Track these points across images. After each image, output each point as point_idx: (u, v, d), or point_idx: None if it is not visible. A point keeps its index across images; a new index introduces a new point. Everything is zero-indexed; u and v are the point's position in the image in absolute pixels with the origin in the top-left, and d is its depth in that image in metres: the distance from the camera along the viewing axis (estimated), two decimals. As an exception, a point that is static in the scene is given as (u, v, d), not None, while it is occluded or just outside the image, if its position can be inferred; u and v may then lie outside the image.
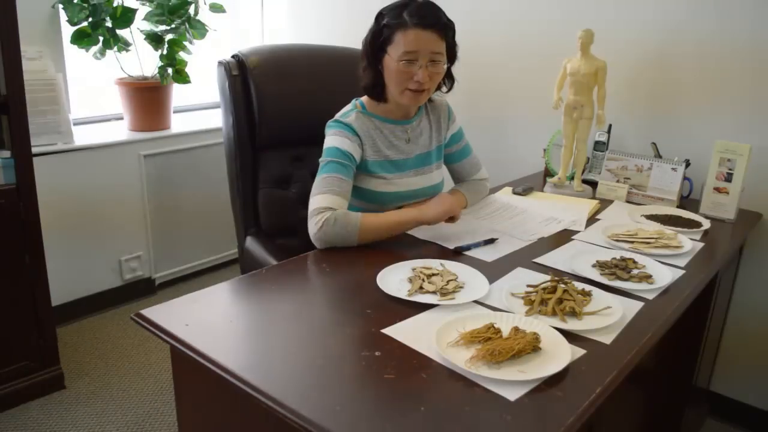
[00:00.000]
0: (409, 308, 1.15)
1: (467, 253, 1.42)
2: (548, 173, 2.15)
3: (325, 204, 1.43)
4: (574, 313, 1.12)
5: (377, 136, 1.59)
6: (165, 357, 2.36)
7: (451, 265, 1.33)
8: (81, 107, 2.73)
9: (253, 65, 1.81)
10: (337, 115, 1.59)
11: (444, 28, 1.49)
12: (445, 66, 1.53)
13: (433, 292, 1.21)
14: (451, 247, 1.45)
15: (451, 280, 1.26)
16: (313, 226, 1.42)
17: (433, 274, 1.28)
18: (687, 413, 1.83)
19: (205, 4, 2.69)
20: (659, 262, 1.40)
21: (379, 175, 1.59)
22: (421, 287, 1.23)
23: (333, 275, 1.30)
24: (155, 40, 2.56)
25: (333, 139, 1.53)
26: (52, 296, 2.09)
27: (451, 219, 1.53)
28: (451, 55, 1.55)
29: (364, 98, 1.62)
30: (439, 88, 1.61)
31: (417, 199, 1.66)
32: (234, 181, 1.89)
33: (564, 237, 1.58)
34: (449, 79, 1.62)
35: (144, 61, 2.67)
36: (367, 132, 1.57)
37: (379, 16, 1.52)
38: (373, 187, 1.60)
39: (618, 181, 1.98)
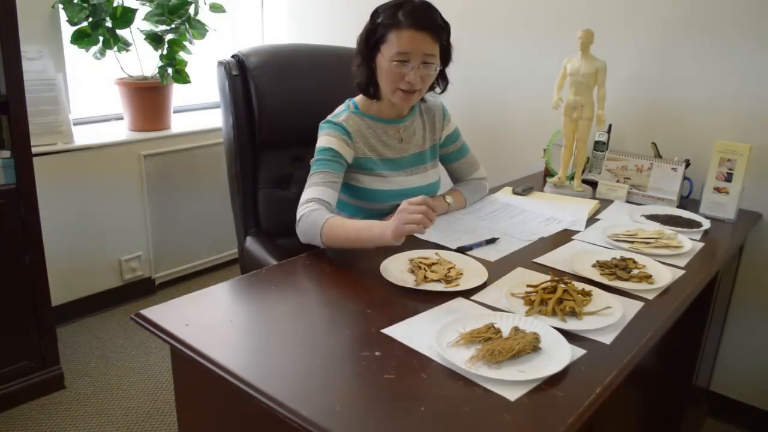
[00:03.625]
0: (409, 308, 1.15)
1: (469, 253, 1.42)
2: (548, 173, 2.15)
3: (309, 196, 1.44)
4: (574, 313, 1.12)
5: (370, 135, 1.60)
6: (165, 357, 2.36)
7: (444, 255, 1.37)
8: (81, 107, 2.73)
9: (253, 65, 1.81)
10: (329, 116, 1.60)
11: (438, 30, 1.48)
12: (438, 68, 1.53)
13: (438, 281, 1.24)
14: (453, 247, 1.45)
15: (451, 267, 1.29)
16: (296, 221, 1.43)
17: (433, 263, 1.30)
18: (687, 413, 1.82)
19: (205, 4, 2.69)
20: (659, 262, 1.40)
21: (375, 172, 1.60)
22: (425, 277, 1.24)
23: (333, 275, 1.30)
24: (155, 40, 2.56)
25: (322, 139, 1.54)
26: (52, 296, 2.09)
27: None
28: (445, 57, 1.55)
29: (358, 98, 1.62)
30: (432, 88, 1.61)
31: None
32: (234, 181, 1.89)
33: (564, 237, 1.58)
34: (443, 80, 1.61)
35: (144, 61, 2.67)
36: (359, 131, 1.57)
37: (375, 14, 1.51)
38: (369, 185, 1.60)
39: (618, 181, 1.98)
